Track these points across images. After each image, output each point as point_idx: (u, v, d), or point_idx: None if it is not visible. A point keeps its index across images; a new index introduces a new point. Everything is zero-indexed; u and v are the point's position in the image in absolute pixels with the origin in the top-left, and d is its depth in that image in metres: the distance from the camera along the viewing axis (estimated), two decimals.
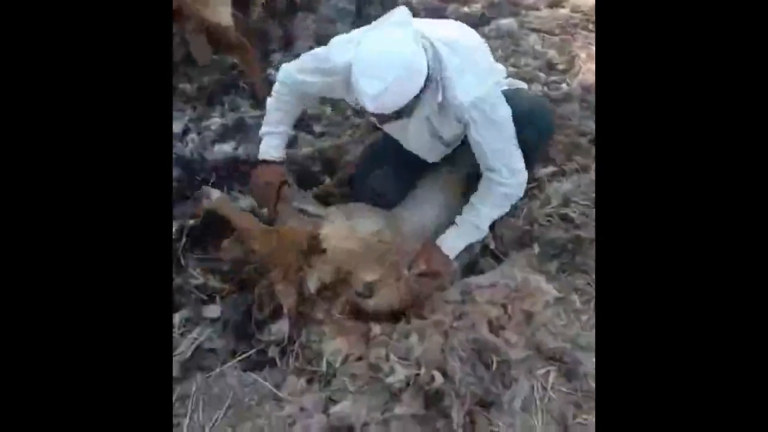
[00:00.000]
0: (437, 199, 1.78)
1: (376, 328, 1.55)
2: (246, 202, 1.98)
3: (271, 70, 2.88)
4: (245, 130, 2.36)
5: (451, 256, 1.68)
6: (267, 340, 1.60)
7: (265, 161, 1.80)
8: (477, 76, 1.48)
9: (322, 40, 3.25)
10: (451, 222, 1.71)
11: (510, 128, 1.53)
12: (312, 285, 1.66)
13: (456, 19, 3.32)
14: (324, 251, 1.71)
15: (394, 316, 1.61)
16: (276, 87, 1.76)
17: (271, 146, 1.80)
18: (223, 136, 2.37)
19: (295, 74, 1.69)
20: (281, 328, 1.61)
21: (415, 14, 3.43)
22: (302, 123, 2.42)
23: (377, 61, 1.30)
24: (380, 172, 1.78)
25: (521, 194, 1.67)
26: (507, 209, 1.70)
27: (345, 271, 1.67)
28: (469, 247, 1.74)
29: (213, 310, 1.67)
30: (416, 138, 1.67)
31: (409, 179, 1.82)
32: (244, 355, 1.57)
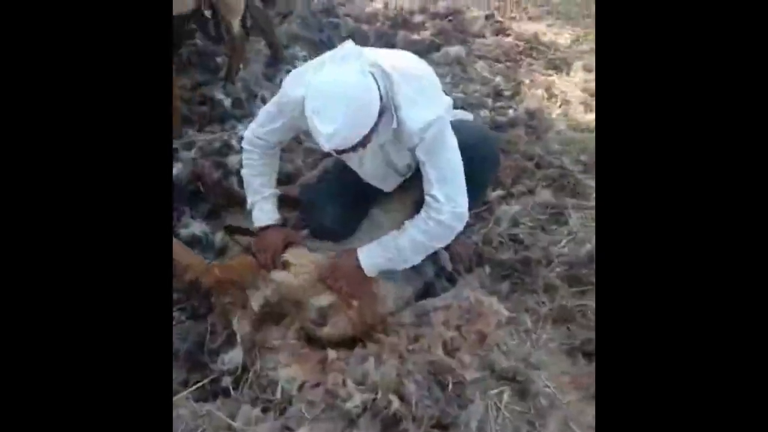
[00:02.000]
0: (389, 226, 1.77)
1: (332, 354, 1.54)
2: (199, 227, 1.95)
3: (215, 91, 2.88)
4: (200, 150, 2.34)
5: (367, 269, 1.59)
6: (220, 370, 1.56)
7: (264, 228, 1.77)
8: (427, 102, 1.49)
9: (272, 63, 3.29)
10: None
11: (457, 158, 1.52)
12: (255, 304, 1.65)
13: (405, 45, 3.42)
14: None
15: (348, 342, 1.60)
16: (245, 156, 1.75)
17: (264, 212, 1.77)
18: (176, 157, 2.33)
19: (260, 131, 1.69)
20: (235, 356, 1.58)
21: (366, 41, 3.54)
22: None
23: (328, 100, 1.30)
24: (331, 208, 1.77)
25: (456, 228, 1.56)
26: (435, 243, 1.60)
27: (294, 296, 1.67)
28: (423, 271, 1.75)
29: None
30: (371, 167, 1.68)
31: (360, 211, 1.82)
32: (196, 386, 1.53)
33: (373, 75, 1.39)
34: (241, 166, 1.79)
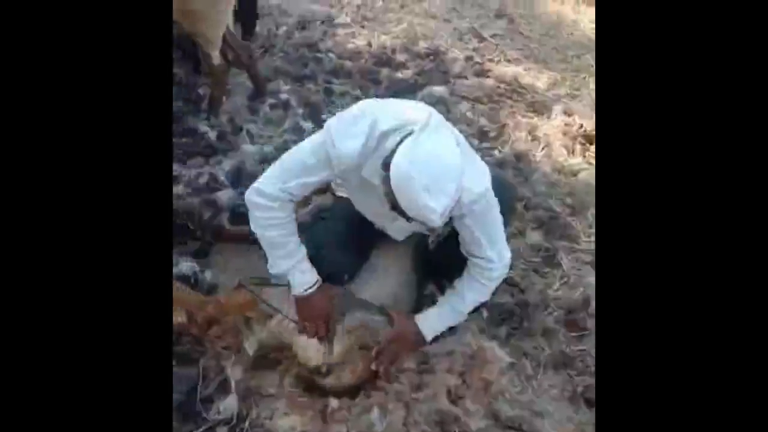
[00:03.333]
0: (391, 271, 1.76)
1: (333, 403, 1.49)
2: (188, 266, 1.88)
3: (198, 123, 2.83)
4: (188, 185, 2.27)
5: (428, 338, 1.63)
6: (214, 419, 1.49)
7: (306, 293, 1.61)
8: (476, 173, 1.45)
9: (254, 96, 3.26)
10: (406, 292, 1.71)
11: (499, 215, 1.54)
12: (250, 348, 1.59)
13: (390, 84, 3.45)
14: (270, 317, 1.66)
15: (351, 391, 1.55)
16: (268, 214, 1.52)
17: (305, 273, 1.59)
18: None
19: (289, 185, 1.49)
20: (230, 404, 1.51)
21: (350, 77, 3.54)
22: (239, 181, 2.37)
23: (439, 177, 1.23)
24: (332, 252, 1.70)
25: (505, 275, 1.67)
26: (491, 293, 1.68)
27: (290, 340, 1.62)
28: None
29: None
30: (403, 226, 1.60)
31: (363, 254, 1.78)
32: None
33: None
34: (257, 225, 1.55)
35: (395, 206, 1.31)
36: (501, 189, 1.58)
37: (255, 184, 1.54)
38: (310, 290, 1.60)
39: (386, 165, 1.30)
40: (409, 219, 1.30)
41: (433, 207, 1.23)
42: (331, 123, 1.45)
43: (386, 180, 1.29)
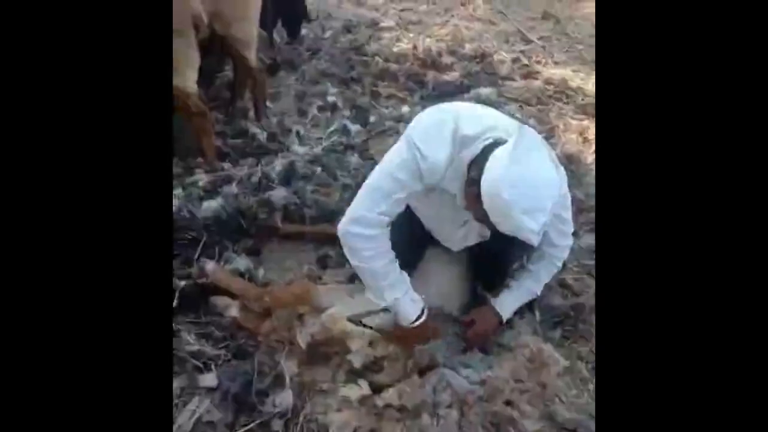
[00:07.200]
0: (443, 276, 1.76)
1: (382, 401, 1.48)
2: (243, 262, 1.91)
3: (249, 124, 2.88)
4: (241, 185, 2.32)
5: (505, 318, 1.70)
6: (270, 412, 1.51)
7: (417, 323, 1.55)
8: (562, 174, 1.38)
9: (303, 97, 3.31)
10: (458, 292, 1.73)
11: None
12: (302, 341, 1.61)
13: (436, 86, 3.45)
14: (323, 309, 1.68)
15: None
16: (369, 245, 1.44)
17: (415, 302, 1.54)
18: (210, 192, 2.31)
19: (383, 206, 1.42)
20: (285, 398, 1.53)
21: (396, 80, 3.56)
22: (290, 182, 2.40)
23: (536, 197, 1.21)
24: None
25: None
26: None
27: (340, 332, 1.63)
28: None
29: (210, 379, 1.57)
30: (465, 236, 1.62)
31: (417, 255, 1.78)
32: (245, 428, 1.47)
33: None
34: (360, 258, 1.47)
35: (482, 219, 1.31)
36: None
37: (349, 215, 1.46)
38: (420, 321, 1.54)
39: (472, 179, 1.30)
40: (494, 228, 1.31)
41: (532, 228, 1.21)
42: (414, 134, 1.38)
43: (473, 194, 1.28)
